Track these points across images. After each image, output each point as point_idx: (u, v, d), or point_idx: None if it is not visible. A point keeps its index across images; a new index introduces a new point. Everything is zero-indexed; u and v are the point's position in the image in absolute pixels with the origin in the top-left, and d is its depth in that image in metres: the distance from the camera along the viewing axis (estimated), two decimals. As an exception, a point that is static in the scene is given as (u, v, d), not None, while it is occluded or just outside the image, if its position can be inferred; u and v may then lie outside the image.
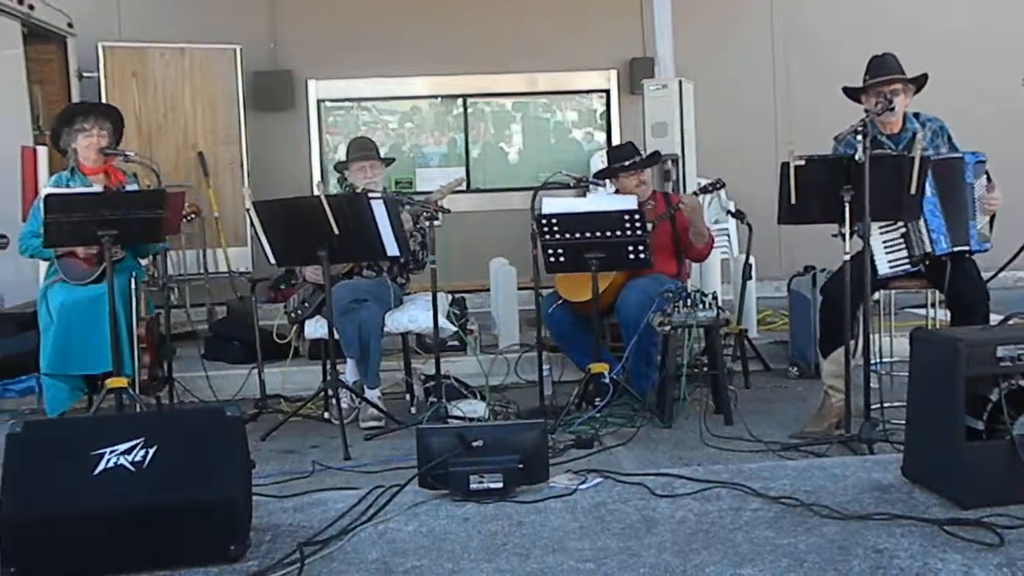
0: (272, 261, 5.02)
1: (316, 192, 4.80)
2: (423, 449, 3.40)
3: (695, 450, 4.44)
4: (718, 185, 5.72)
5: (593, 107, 10.05)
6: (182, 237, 7.35)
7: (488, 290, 7.06)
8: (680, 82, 6.93)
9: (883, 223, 4.45)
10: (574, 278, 5.24)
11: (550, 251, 5.05)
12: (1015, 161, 5.79)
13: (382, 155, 5.72)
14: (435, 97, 9.91)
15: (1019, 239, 5.06)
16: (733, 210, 6.52)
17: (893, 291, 4.95)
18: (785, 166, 4.19)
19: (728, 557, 2.77)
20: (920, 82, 4.64)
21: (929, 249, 4.44)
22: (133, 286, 5.01)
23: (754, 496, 3.27)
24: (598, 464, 3.94)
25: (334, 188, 7.34)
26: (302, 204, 4.87)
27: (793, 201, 4.19)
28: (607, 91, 9.89)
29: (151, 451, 2.89)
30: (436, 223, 5.02)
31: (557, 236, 4.99)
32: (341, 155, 6.88)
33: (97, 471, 2.85)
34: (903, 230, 4.50)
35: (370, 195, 4.91)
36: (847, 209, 4.14)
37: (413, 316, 5.32)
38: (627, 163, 5.62)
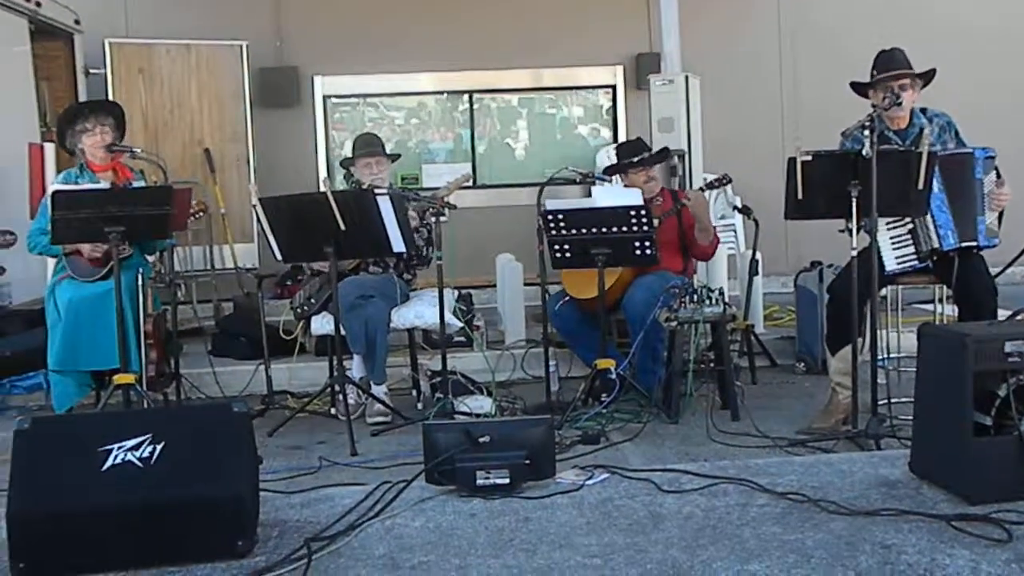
0: (279, 257, 5.02)
1: (322, 188, 4.80)
2: (430, 445, 3.40)
3: (702, 446, 4.43)
4: (725, 181, 5.70)
5: (599, 103, 10.04)
6: (189, 233, 7.37)
7: (494, 286, 7.06)
8: (687, 77, 6.92)
9: (890, 219, 4.44)
10: (580, 275, 5.23)
11: (556, 247, 5.05)
12: (1021, 156, 5.76)
13: (388, 151, 5.72)
14: (441, 93, 9.91)
15: (1027, 234, 5.06)
16: (739, 206, 6.52)
17: (900, 287, 4.94)
18: (792, 161, 4.18)
19: (735, 553, 2.77)
20: (928, 77, 4.62)
21: (937, 245, 4.42)
22: (140, 282, 5.02)
23: (761, 492, 3.27)
24: (605, 460, 3.94)
25: (340, 184, 7.36)
26: (308, 200, 4.87)
27: (800, 196, 4.19)
28: (613, 87, 9.88)
29: (158, 447, 2.90)
30: (442, 219, 5.01)
31: (563, 232, 4.99)
32: (347, 151, 6.88)
33: (105, 467, 2.86)
34: (910, 226, 4.48)
35: (376, 191, 4.91)
36: (854, 205, 4.12)
37: (419, 312, 5.32)
38: (636, 159, 5.61)
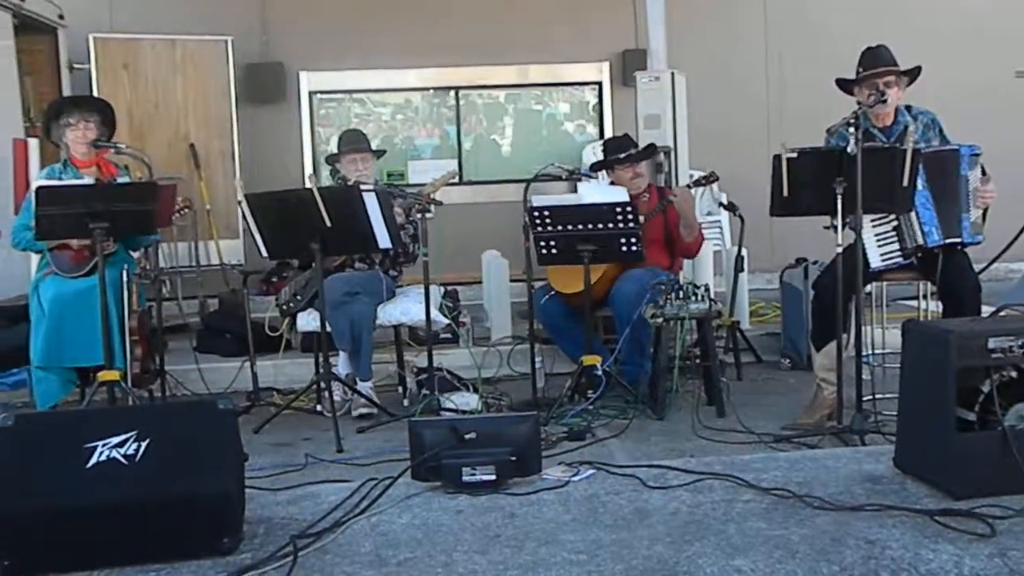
0: (264, 254, 5.01)
1: (308, 184, 4.79)
2: (416, 441, 3.40)
3: (688, 442, 4.44)
4: (712, 179, 5.72)
5: (585, 99, 10.04)
6: (174, 229, 7.30)
7: (481, 282, 7.06)
8: (672, 74, 6.93)
9: (875, 216, 4.46)
10: (566, 270, 5.24)
11: (542, 243, 5.05)
12: (1007, 154, 5.80)
13: (374, 147, 5.71)
14: (427, 89, 9.88)
15: (1010, 231, 5.10)
16: (725, 202, 6.53)
17: (885, 283, 4.96)
18: (777, 158, 4.19)
19: (720, 548, 2.77)
20: (913, 74, 4.64)
21: (921, 241, 4.44)
22: (125, 279, 4.99)
23: (746, 487, 3.28)
24: (591, 456, 3.95)
25: (326, 180, 7.34)
26: (294, 197, 4.86)
27: (785, 193, 4.20)
28: (599, 83, 9.88)
29: (143, 444, 2.88)
30: (428, 215, 5.01)
31: (549, 228, 4.99)
32: (333, 147, 6.88)
33: (89, 464, 2.84)
34: (895, 223, 4.50)
35: (362, 187, 4.90)
36: (839, 201, 4.14)
37: (405, 309, 5.32)
38: (623, 155, 5.61)
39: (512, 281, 6.58)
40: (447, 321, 5.65)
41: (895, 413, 3.50)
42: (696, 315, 4.94)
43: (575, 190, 5.92)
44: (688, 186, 5.65)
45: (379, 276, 5.39)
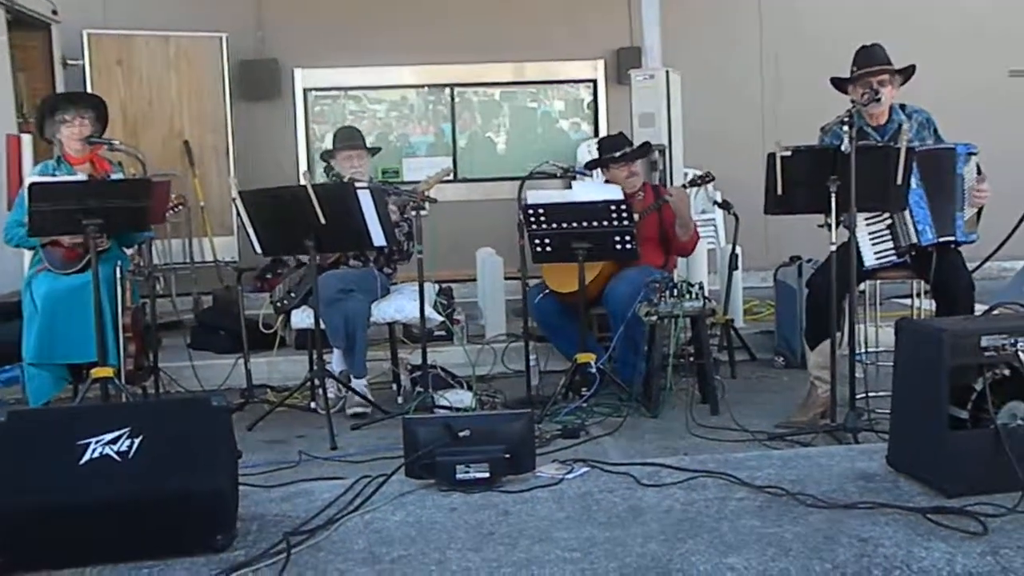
0: (258, 251, 5.01)
1: (303, 181, 4.78)
2: (410, 439, 3.40)
3: (681, 439, 4.45)
4: (708, 179, 5.73)
5: (580, 97, 10.03)
6: (168, 226, 7.30)
7: (475, 280, 7.05)
8: (667, 72, 6.92)
9: (869, 214, 4.46)
10: (561, 268, 5.24)
11: (537, 241, 5.05)
12: (1000, 153, 5.80)
13: (368, 145, 5.70)
14: (422, 86, 9.87)
15: (1004, 229, 5.11)
16: (719, 200, 6.53)
17: (879, 282, 4.97)
18: (771, 157, 4.20)
19: (714, 546, 2.78)
20: (907, 73, 4.64)
21: (915, 240, 4.45)
22: (118, 275, 4.98)
23: (740, 485, 3.28)
24: (584, 454, 3.96)
25: (321, 177, 7.31)
26: (288, 194, 4.85)
27: (779, 192, 4.21)
28: (594, 81, 9.87)
29: (137, 441, 2.88)
30: (423, 213, 5.01)
31: (544, 226, 5.00)
32: (328, 144, 6.85)
33: (83, 461, 2.84)
34: (889, 221, 4.51)
35: (357, 185, 4.89)
36: (833, 200, 4.15)
37: (400, 306, 5.31)
38: (617, 154, 5.61)
39: (506, 279, 6.58)
40: (441, 318, 5.64)
41: (888, 411, 3.52)
42: (690, 313, 4.95)
43: (570, 188, 5.91)
44: (684, 185, 5.65)
45: (373, 273, 5.38)
